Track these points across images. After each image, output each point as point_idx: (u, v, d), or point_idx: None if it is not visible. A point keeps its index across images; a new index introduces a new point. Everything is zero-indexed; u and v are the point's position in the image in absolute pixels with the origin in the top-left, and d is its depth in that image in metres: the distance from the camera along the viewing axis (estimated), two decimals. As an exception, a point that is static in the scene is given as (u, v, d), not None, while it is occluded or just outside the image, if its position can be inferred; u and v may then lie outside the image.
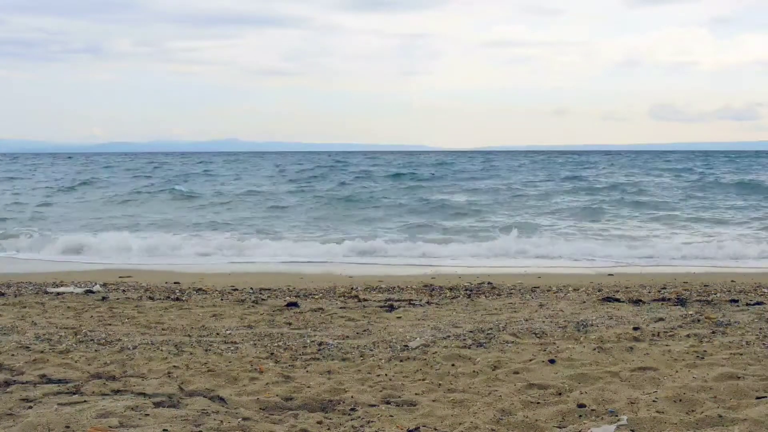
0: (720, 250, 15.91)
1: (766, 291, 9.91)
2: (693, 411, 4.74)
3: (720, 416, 4.55)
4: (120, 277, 12.18)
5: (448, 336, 7.01)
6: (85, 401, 5.00)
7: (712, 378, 5.38)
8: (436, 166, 57.05)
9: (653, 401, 4.89)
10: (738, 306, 8.60)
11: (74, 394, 5.22)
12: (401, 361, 6.16)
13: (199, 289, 10.50)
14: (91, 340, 6.98)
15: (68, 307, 8.84)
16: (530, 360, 6.07)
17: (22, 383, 5.48)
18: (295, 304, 9.05)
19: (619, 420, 4.56)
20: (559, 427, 4.54)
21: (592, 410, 4.79)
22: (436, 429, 4.55)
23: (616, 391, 5.16)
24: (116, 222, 23.05)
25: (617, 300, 9.17)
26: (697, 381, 5.33)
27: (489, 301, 9.26)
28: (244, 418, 4.71)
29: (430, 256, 15.93)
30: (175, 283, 11.35)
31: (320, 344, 6.79)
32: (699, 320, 7.61)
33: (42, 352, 6.45)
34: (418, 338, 6.92)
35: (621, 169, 51.99)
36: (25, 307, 8.87)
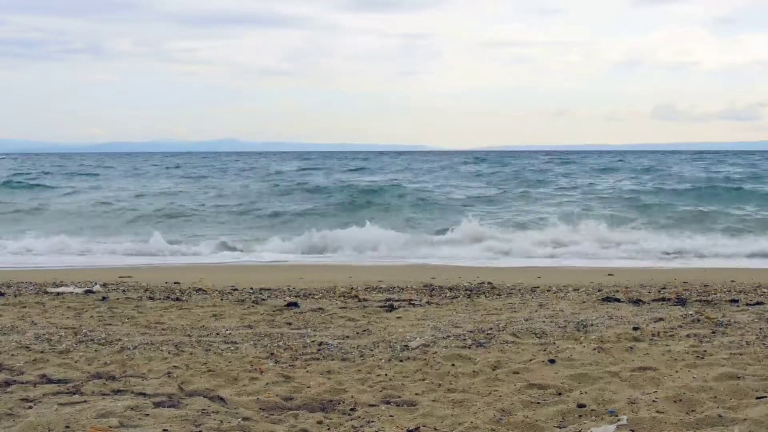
0: None
1: (766, 291, 9.91)
2: (693, 411, 4.74)
3: (720, 416, 4.55)
4: (120, 277, 12.18)
5: (448, 336, 7.01)
6: (85, 401, 5.00)
7: (712, 378, 5.38)
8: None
9: (653, 401, 4.89)
10: (738, 306, 8.60)
11: (74, 394, 5.22)
12: (401, 361, 6.16)
13: (199, 289, 10.50)
14: (91, 340, 6.98)
15: (68, 307, 8.84)
16: (530, 360, 6.07)
17: (22, 383, 5.48)
18: (295, 304, 9.05)
19: (619, 420, 4.56)
20: (559, 427, 4.54)
21: (592, 410, 4.79)
22: (436, 429, 4.55)
23: (616, 391, 5.16)
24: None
25: (617, 300, 9.16)
26: (697, 381, 5.32)
27: (489, 301, 9.26)
28: (244, 418, 4.71)
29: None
30: (175, 283, 11.35)
31: (320, 344, 6.79)
32: (699, 320, 7.61)
33: (42, 352, 6.45)
34: (418, 338, 6.92)
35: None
36: (25, 307, 8.87)
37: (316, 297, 9.77)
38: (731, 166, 50.86)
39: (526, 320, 7.76)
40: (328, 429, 4.58)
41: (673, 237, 18.75)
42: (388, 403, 5.06)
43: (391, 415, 4.78)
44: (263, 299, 9.58)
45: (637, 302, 8.95)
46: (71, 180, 42.82)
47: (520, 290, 10.22)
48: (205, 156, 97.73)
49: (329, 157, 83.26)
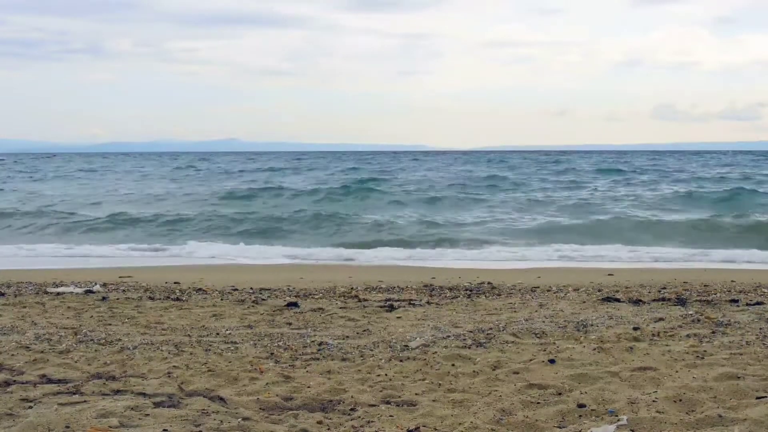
0: None
1: (766, 291, 9.91)
2: (693, 411, 4.74)
3: (720, 416, 4.55)
4: (120, 277, 12.19)
5: (448, 336, 7.01)
6: (85, 401, 5.00)
7: (712, 378, 5.38)
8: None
9: (653, 401, 4.89)
10: (738, 306, 8.60)
11: (74, 394, 5.23)
12: (401, 361, 6.16)
13: (199, 289, 10.50)
14: (91, 340, 6.98)
15: (68, 307, 8.84)
16: (530, 360, 6.07)
17: (22, 383, 5.48)
18: (295, 304, 9.05)
19: (619, 420, 4.56)
20: (559, 427, 4.54)
21: (592, 410, 4.79)
22: (436, 429, 4.55)
23: (616, 391, 5.16)
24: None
25: (617, 300, 9.17)
26: (697, 381, 5.32)
27: (489, 301, 9.26)
28: (244, 418, 4.71)
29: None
30: (175, 283, 11.35)
31: (320, 344, 6.79)
32: (699, 320, 7.61)
33: (42, 352, 6.45)
34: (418, 338, 6.92)
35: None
36: (25, 307, 8.87)
37: (316, 297, 9.77)
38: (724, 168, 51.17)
39: (526, 320, 7.76)
40: (328, 429, 4.58)
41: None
42: (388, 403, 5.07)
43: (391, 415, 4.78)
44: (263, 299, 9.58)
45: (637, 302, 8.95)
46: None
47: (520, 290, 10.22)
48: (203, 157, 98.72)
49: (323, 157, 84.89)
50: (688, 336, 6.86)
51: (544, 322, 7.66)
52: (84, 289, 10.33)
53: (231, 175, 50.45)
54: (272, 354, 6.45)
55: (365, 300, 9.49)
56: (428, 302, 9.25)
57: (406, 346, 6.67)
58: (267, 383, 5.52)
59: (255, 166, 62.74)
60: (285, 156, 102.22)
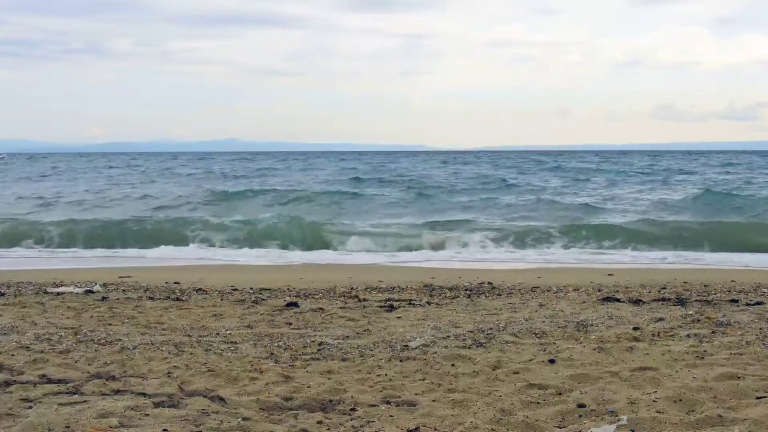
0: None
1: (766, 291, 9.91)
2: (693, 411, 4.74)
3: (720, 416, 4.55)
4: (120, 277, 12.19)
5: (448, 336, 7.01)
6: (85, 401, 5.00)
7: (712, 378, 5.38)
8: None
9: (653, 401, 4.89)
10: (738, 306, 8.60)
11: (74, 394, 5.23)
12: (401, 361, 6.16)
13: (199, 289, 10.50)
14: (91, 340, 6.98)
15: (68, 307, 8.84)
16: (530, 360, 6.07)
17: (22, 383, 5.48)
18: (295, 304, 9.05)
19: (619, 420, 4.56)
20: (559, 427, 4.54)
21: (592, 410, 4.79)
22: (436, 429, 4.55)
23: (616, 391, 5.17)
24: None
25: (617, 300, 9.17)
26: (697, 381, 5.32)
27: (489, 301, 9.26)
28: (244, 418, 4.71)
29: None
30: (175, 283, 11.35)
31: (320, 344, 6.79)
32: (699, 320, 7.61)
33: (42, 352, 6.45)
34: (418, 338, 6.92)
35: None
36: (25, 307, 8.87)
37: (316, 297, 9.77)
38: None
39: (526, 320, 7.76)
40: (328, 429, 4.58)
41: None
42: (388, 403, 5.07)
43: (391, 415, 4.78)
44: (263, 299, 9.58)
45: (637, 302, 8.95)
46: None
47: (520, 290, 10.22)
48: (203, 156, 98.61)
49: (323, 157, 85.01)
50: (688, 336, 6.86)
51: (544, 322, 7.66)
52: (84, 289, 10.33)
53: (225, 174, 49.94)
54: (272, 354, 6.45)
55: (365, 300, 9.49)
56: (428, 302, 9.25)
57: (406, 346, 6.67)
58: (267, 383, 5.52)
59: (252, 166, 62.65)
60: (284, 156, 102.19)
